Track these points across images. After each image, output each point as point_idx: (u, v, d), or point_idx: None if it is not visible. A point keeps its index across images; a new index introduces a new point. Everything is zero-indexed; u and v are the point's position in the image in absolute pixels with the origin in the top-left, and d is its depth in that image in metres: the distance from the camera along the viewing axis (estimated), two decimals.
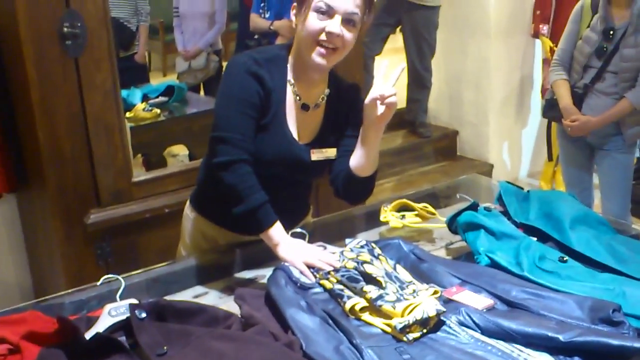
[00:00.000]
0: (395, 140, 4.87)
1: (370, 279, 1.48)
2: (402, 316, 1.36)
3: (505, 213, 1.90)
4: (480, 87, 4.74)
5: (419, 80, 4.74)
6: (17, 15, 2.20)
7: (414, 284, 1.51)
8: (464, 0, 4.66)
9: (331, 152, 1.84)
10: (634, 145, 3.18)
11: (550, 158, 4.62)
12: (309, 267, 1.58)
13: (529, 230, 1.83)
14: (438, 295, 1.46)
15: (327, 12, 1.63)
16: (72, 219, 2.47)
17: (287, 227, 1.71)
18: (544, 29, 4.36)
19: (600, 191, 3.30)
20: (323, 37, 1.64)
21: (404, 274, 1.56)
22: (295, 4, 1.71)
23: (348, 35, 1.66)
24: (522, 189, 2.03)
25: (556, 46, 4.23)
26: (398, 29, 4.90)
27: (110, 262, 2.54)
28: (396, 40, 4.93)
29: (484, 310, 1.42)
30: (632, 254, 1.71)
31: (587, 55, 3.02)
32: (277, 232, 1.66)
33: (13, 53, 2.35)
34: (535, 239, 1.78)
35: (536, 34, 4.44)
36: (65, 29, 2.25)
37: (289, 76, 1.76)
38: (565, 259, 1.68)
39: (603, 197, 3.28)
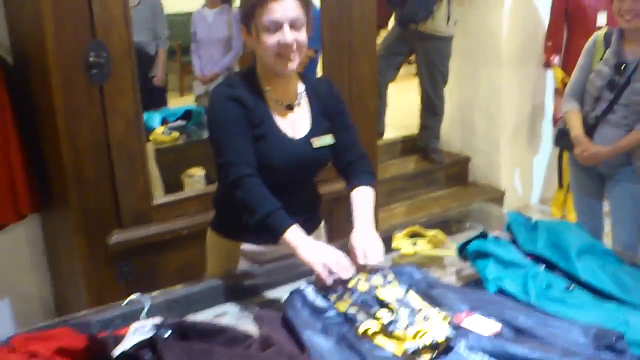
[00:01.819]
0: (408, 165, 4.94)
1: (383, 305, 1.55)
2: (413, 339, 1.43)
3: (514, 242, 1.96)
4: (492, 114, 4.82)
5: (431, 108, 4.82)
6: (46, 45, 2.30)
7: (425, 310, 1.57)
8: (477, 31, 4.75)
9: (329, 138, 1.97)
10: None
11: (560, 185, 4.68)
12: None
13: (537, 259, 1.88)
14: (448, 320, 1.52)
15: (275, 28, 1.78)
16: (94, 239, 2.55)
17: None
18: (556, 59, 4.45)
19: (611, 220, 3.35)
20: (279, 49, 1.79)
21: (414, 300, 1.62)
22: (242, 25, 1.86)
23: (299, 35, 1.81)
24: (530, 219, 2.09)
25: (568, 76, 4.34)
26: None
27: (130, 281, 2.61)
28: (410, 66, 5.04)
29: (492, 336, 1.48)
30: (637, 284, 1.76)
31: (599, 87, 3.08)
32: (294, 236, 1.72)
33: (40, 80, 2.45)
34: (542, 267, 1.85)
35: (548, 64, 4.51)
36: (91, 59, 2.35)
37: (264, 86, 1.90)
38: (571, 287, 1.74)
39: (613, 225, 3.32)
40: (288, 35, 1.78)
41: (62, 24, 2.27)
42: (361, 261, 1.73)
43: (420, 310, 1.55)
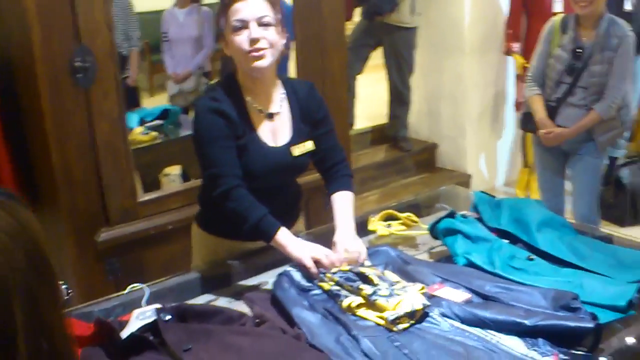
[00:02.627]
0: (378, 154, 5.10)
1: (364, 278, 1.71)
2: (393, 309, 1.59)
3: (480, 219, 2.13)
4: (457, 102, 4.99)
5: (399, 97, 4.98)
6: (33, 51, 2.39)
7: (402, 282, 1.73)
8: (440, 21, 4.91)
9: (309, 145, 2.07)
10: (604, 151, 3.45)
11: (525, 165, 4.88)
12: (316, 263, 1.80)
13: (501, 233, 2.06)
14: (424, 291, 1.68)
15: (243, 26, 1.87)
16: (84, 237, 2.65)
17: None
18: (516, 46, 4.62)
19: (572, 194, 3.55)
20: (249, 46, 1.86)
21: (391, 276, 1.78)
22: (221, 34, 1.95)
23: (270, 34, 1.88)
24: (494, 197, 2.26)
25: (528, 63, 4.52)
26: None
27: (119, 276, 2.71)
28: (377, 57, 5.17)
29: (462, 303, 1.65)
30: (591, 251, 1.95)
31: (559, 72, 3.27)
32: (283, 237, 1.87)
33: (28, 86, 2.55)
34: (506, 241, 2.02)
35: (508, 52, 4.68)
36: (77, 63, 2.45)
37: (245, 95, 1.98)
38: (532, 257, 1.92)
39: (574, 198, 3.52)
40: (255, 31, 1.85)
41: (49, 31, 2.37)
42: (342, 256, 1.86)
43: (398, 282, 1.71)
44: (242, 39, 1.87)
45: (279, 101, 2.03)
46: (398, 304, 1.61)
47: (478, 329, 1.57)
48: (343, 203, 2.05)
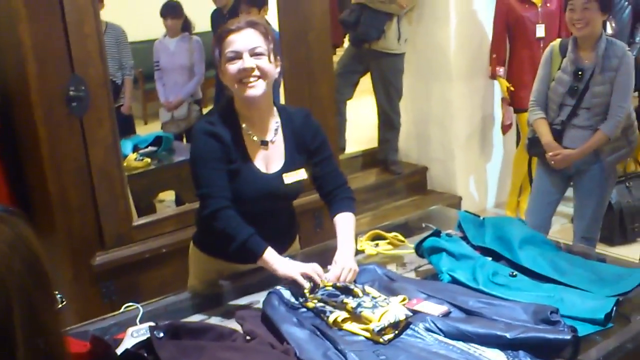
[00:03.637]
0: (369, 178, 5.17)
1: (347, 291, 1.78)
2: (378, 321, 1.65)
3: (465, 238, 2.20)
4: (445, 126, 5.07)
5: (388, 122, 5.07)
6: (28, 82, 2.48)
7: (382, 296, 1.80)
8: (426, 48, 5.01)
9: (301, 173, 2.14)
10: (612, 172, 3.43)
11: (514, 187, 4.94)
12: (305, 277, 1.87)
13: (485, 251, 2.13)
14: (405, 302, 1.75)
15: (236, 57, 1.96)
16: (79, 261, 2.71)
17: (279, 251, 1.99)
18: (500, 71, 4.70)
19: (575, 214, 3.56)
20: (241, 76, 1.96)
21: (373, 291, 1.85)
22: (218, 65, 2.03)
23: (262, 63, 1.97)
24: (478, 217, 2.33)
25: (512, 86, 4.62)
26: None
27: (114, 299, 2.76)
28: (367, 82, 5.27)
29: (440, 315, 1.72)
30: (571, 267, 2.02)
31: (561, 95, 3.28)
32: (270, 256, 1.94)
33: (24, 115, 2.62)
34: (490, 258, 2.09)
35: (493, 76, 4.76)
36: (71, 92, 2.53)
37: (241, 122, 2.06)
38: (514, 274, 1.98)
39: (576, 219, 3.52)
40: (247, 61, 1.95)
41: (43, 63, 2.45)
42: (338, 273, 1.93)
43: (379, 296, 1.78)
44: (235, 69, 1.96)
45: (274, 129, 2.10)
46: (382, 315, 1.67)
47: (461, 343, 1.63)
48: (344, 225, 2.11)
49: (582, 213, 3.47)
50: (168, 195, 4.43)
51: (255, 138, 2.07)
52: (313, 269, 1.90)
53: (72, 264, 2.71)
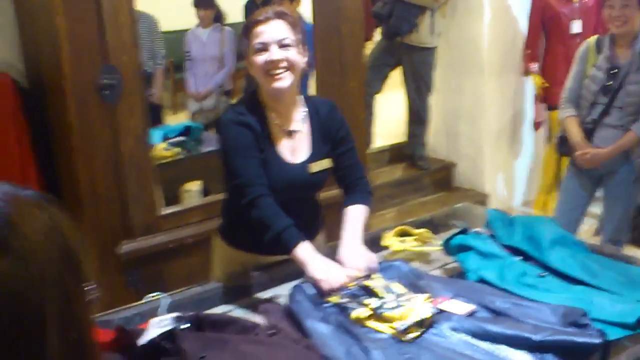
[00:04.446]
0: (395, 172, 5.13)
1: (370, 292, 1.76)
2: (401, 319, 1.63)
3: (493, 236, 2.17)
4: (475, 122, 5.02)
5: (417, 117, 5.02)
6: (62, 69, 2.50)
7: (408, 294, 1.78)
8: (459, 42, 4.96)
9: (327, 163, 2.12)
10: None
11: (543, 186, 4.87)
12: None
13: (514, 250, 2.09)
14: (430, 300, 1.72)
15: (263, 48, 1.94)
16: (106, 249, 2.73)
17: None
18: (534, 67, 4.64)
19: (604, 215, 3.50)
20: (269, 67, 1.94)
21: (397, 287, 1.83)
22: (245, 54, 2.01)
23: (290, 54, 1.95)
24: (508, 215, 2.29)
25: (546, 83, 4.55)
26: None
27: (140, 288, 2.78)
28: (396, 76, 5.22)
29: (467, 315, 1.69)
30: (602, 269, 1.97)
31: (594, 92, 3.22)
32: (303, 253, 1.89)
33: (56, 102, 2.64)
34: (518, 258, 2.05)
35: (527, 72, 4.71)
36: (104, 81, 2.54)
37: (267, 112, 2.05)
38: (543, 274, 1.95)
39: (605, 220, 3.48)
40: (275, 53, 1.93)
41: (77, 50, 2.47)
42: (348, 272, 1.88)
43: (404, 294, 1.76)
44: (262, 60, 1.94)
45: (300, 119, 2.09)
46: (407, 313, 1.64)
47: (487, 343, 1.60)
48: (352, 215, 2.08)
49: (611, 215, 3.41)
50: (194, 186, 4.44)
51: (281, 127, 2.06)
52: (341, 281, 1.83)
53: (98, 252, 2.73)
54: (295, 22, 1.99)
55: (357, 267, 1.90)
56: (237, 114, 2.02)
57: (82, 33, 2.46)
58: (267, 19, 1.94)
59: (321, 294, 1.83)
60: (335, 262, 1.93)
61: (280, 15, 1.96)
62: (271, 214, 1.94)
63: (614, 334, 1.63)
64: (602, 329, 1.62)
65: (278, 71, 1.94)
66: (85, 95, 2.52)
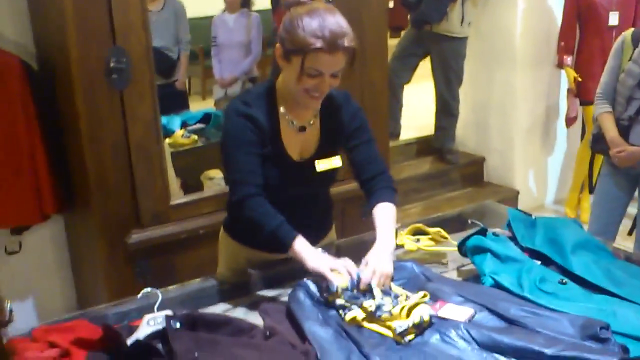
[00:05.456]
0: (423, 166, 5.00)
1: (366, 291, 1.67)
2: (400, 317, 1.55)
3: (513, 238, 2.04)
4: (506, 115, 4.86)
5: (446, 108, 4.88)
6: (69, 52, 2.43)
7: (404, 294, 1.69)
8: (491, 32, 4.80)
9: (335, 160, 2.01)
10: None
11: (591, 191, 4.67)
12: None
13: (534, 254, 1.96)
14: (427, 297, 1.63)
15: (318, 75, 1.80)
16: (115, 239, 2.67)
17: (312, 241, 1.86)
18: (568, 60, 4.47)
19: (638, 215, 3.34)
20: (315, 91, 1.82)
21: (396, 289, 1.74)
22: (279, 46, 1.84)
23: (335, 83, 1.84)
24: (530, 215, 2.16)
25: (580, 77, 4.38)
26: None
27: (148, 279, 2.72)
28: (426, 67, 5.09)
29: (468, 320, 1.58)
30: (628, 277, 1.84)
31: (631, 87, 3.07)
32: (301, 247, 1.81)
33: (65, 86, 2.58)
34: (539, 262, 1.92)
35: (560, 65, 4.53)
36: (112, 64, 2.47)
37: (281, 106, 1.93)
38: (564, 281, 1.81)
39: (638, 222, 3.33)
40: (327, 83, 1.81)
41: (84, 31, 2.39)
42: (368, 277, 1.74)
43: (401, 295, 1.66)
44: (310, 83, 1.81)
45: (312, 115, 1.98)
46: (403, 309, 1.58)
47: (496, 355, 1.48)
48: (384, 217, 1.93)
49: None
50: (218, 172, 4.37)
51: (292, 122, 1.95)
52: (344, 264, 1.76)
53: (107, 241, 2.67)
54: (354, 56, 1.84)
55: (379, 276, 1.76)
56: (243, 105, 1.90)
57: (89, 13, 2.38)
58: (333, 51, 1.77)
59: (324, 291, 1.73)
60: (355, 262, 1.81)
61: (345, 49, 1.79)
62: (262, 212, 1.85)
63: (637, 350, 1.50)
64: (624, 344, 1.49)
65: (318, 95, 1.85)
66: (93, 79, 2.45)
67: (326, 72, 1.79)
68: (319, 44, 1.74)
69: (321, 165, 1.98)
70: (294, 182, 1.95)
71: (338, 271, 1.74)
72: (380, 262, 1.77)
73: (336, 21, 1.79)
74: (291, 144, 1.96)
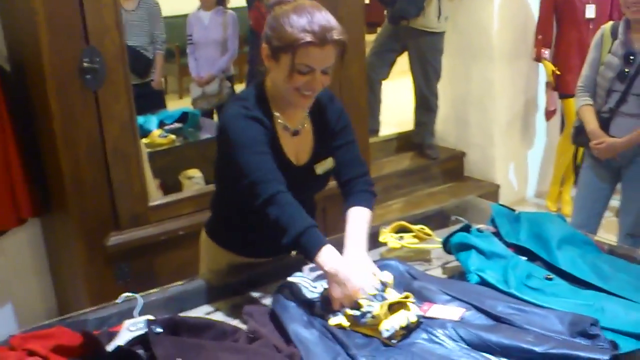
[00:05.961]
0: (403, 162, 4.99)
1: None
2: (384, 317, 1.53)
3: (497, 234, 2.02)
4: (485, 109, 4.86)
5: (425, 104, 4.87)
6: (41, 53, 2.37)
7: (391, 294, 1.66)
8: (468, 26, 4.80)
9: (330, 162, 1.98)
10: None
11: (556, 176, 4.72)
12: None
13: (519, 250, 1.94)
14: (410, 298, 1.61)
15: (309, 72, 1.74)
16: (93, 241, 2.62)
17: None
18: (546, 53, 4.48)
19: (620, 208, 3.35)
20: (305, 89, 1.77)
21: (390, 294, 1.67)
22: (265, 46, 1.78)
23: (326, 80, 1.78)
24: (514, 210, 2.15)
25: (558, 70, 4.38)
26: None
27: (129, 281, 2.68)
28: (404, 63, 5.07)
29: (460, 319, 1.56)
30: (615, 272, 1.82)
31: (610, 79, 3.08)
32: (325, 260, 1.67)
33: (37, 87, 2.52)
34: (525, 258, 1.90)
35: (538, 58, 4.54)
36: (85, 64, 2.41)
37: (274, 110, 1.88)
38: (550, 277, 1.80)
39: (622, 214, 3.32)
40: (318, 79, 1.76)
41: (56, 31, 2.34)
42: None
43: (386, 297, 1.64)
44: (300, 81, 1.75)
45: (303, 118, 1.95)
46: (383, 307, 1.55)
47: (485, 354, 1.46)
48: (356, 221, 1.87)
49: (628, 208, 3.25)
50: (197, 172, 4.32)
51: (286, 127, 1.90)
52: (359, 300, 1.63)
53: (85, 244, 2.61)
54: (344, 50, 1.79)
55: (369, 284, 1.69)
56: (245, 109, 1.82)
57: (62, 12, 2.33)
58: (323, 43, 1.71)
59: (326, 312, 1.67)
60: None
61: (335, 42, 1.73)
62: (290, 213, 1.72)
63: (627, 345, 1.48)
64: (614, 339, 1.48)
65: (310, 93, 1.79)
66: (66, 80, 2.39)
67: (317, 68, 1.75)
68: (309, 37, 1.69)
69: (320, 168, 1.94)
70: (296, 187, 1.83)
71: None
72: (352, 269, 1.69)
73: (324, 16, 1.74)
74: (289, 148, 1.91)
